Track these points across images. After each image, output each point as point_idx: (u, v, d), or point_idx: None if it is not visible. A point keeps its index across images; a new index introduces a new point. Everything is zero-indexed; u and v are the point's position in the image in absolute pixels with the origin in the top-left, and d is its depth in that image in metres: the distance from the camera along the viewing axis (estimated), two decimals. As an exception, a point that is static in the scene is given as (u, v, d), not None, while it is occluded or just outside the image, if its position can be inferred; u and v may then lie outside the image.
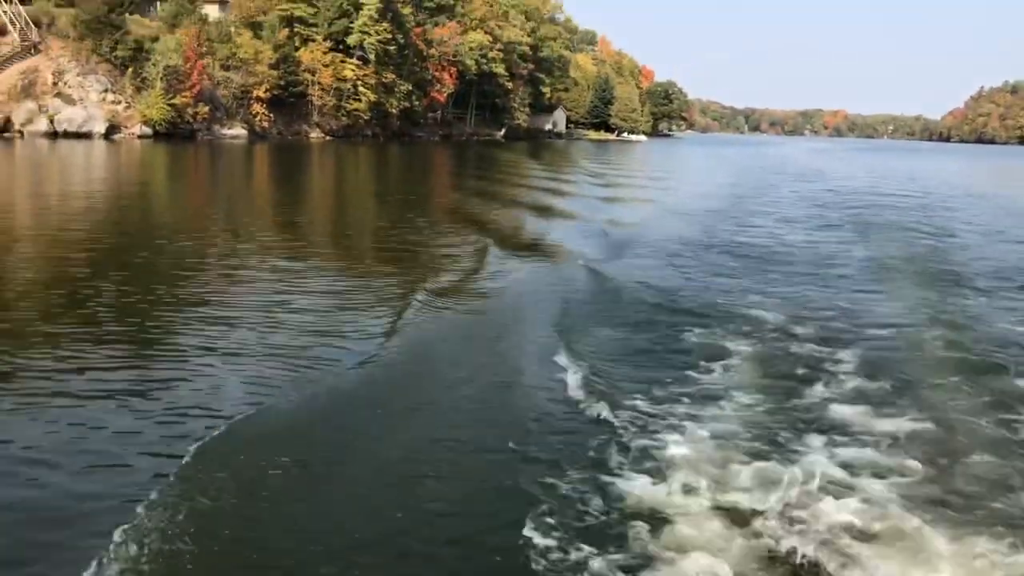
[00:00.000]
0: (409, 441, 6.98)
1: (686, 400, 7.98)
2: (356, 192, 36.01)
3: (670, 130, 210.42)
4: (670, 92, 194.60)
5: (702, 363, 9.27)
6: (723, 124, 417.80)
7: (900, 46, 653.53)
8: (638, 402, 7.83)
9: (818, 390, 8.52)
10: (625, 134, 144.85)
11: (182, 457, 6.28)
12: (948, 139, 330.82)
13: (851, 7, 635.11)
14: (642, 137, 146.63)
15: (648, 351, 9.87)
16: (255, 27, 70.46)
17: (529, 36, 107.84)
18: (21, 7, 56.26)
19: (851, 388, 8.66)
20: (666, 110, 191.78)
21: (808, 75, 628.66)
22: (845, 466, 6.57)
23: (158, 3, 68.60)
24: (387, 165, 53.46)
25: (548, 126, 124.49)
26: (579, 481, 6.12)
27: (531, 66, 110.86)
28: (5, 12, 55.40)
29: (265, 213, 25.43)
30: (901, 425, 7.56)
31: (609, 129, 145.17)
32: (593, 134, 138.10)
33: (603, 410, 7.55)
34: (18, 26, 55.18)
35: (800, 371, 9.14)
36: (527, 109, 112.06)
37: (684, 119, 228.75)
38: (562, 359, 9.15)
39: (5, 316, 10.79)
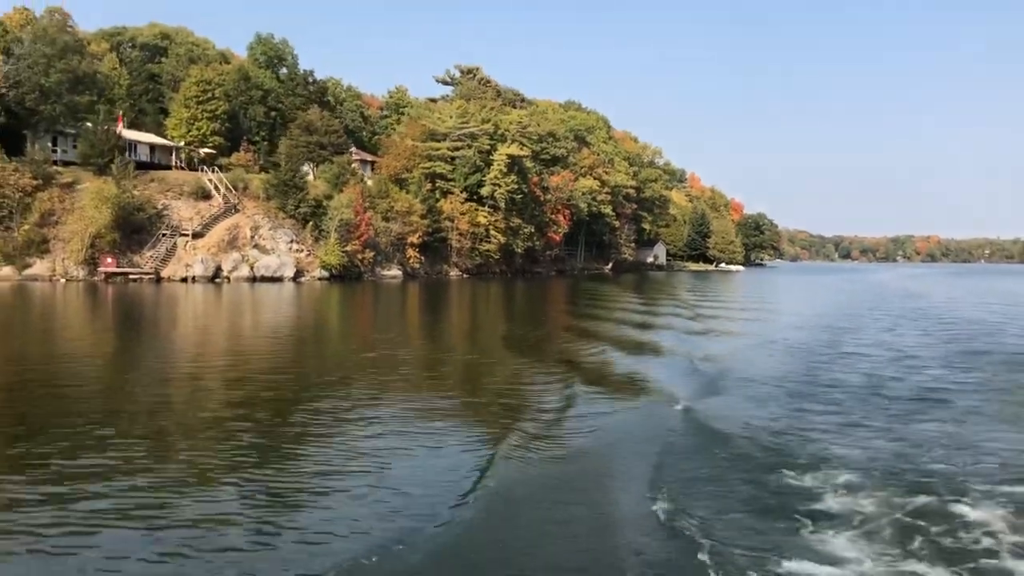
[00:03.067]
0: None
1: (787, 566, 7.72)
2: (473, 326, 37.96)
3: (761, 260, 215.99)
4: (761, 223, 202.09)
5: (802, 519, 9.01)
6: (812, 252, 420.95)
7: (993, 169, 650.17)
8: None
9: (932, 555, 8.11)
10: (723, 265, 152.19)
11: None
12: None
13: (936, 133, 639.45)
14: (740, 267, 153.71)
15: (747, 508, 9.47)
16: (400, 183, 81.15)
17: (633, 179, 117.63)
18: (223, 174, 67.81)
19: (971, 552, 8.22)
20: (757, 240, 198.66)
21: (897, 201, 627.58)
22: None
23: (310, 164, 79.62)
24: (508, 300, 56.88)
25: (650, 259, 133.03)
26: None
27: (634, 206, 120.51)
28: (211, 180, 66.91)
29: (395, 344, 27.98)
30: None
31: (708, 260, 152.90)
32: (692, 265, 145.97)
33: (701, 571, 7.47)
34: (221, 190, 66.51)
35: (911, 536, 8.63)
36: (632, 244, 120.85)
37: (775, 248, 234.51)
38: (657, 510, 9.22)
39: (145, 426, 13.50)
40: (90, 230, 57.37)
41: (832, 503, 9.61)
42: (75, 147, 67.76)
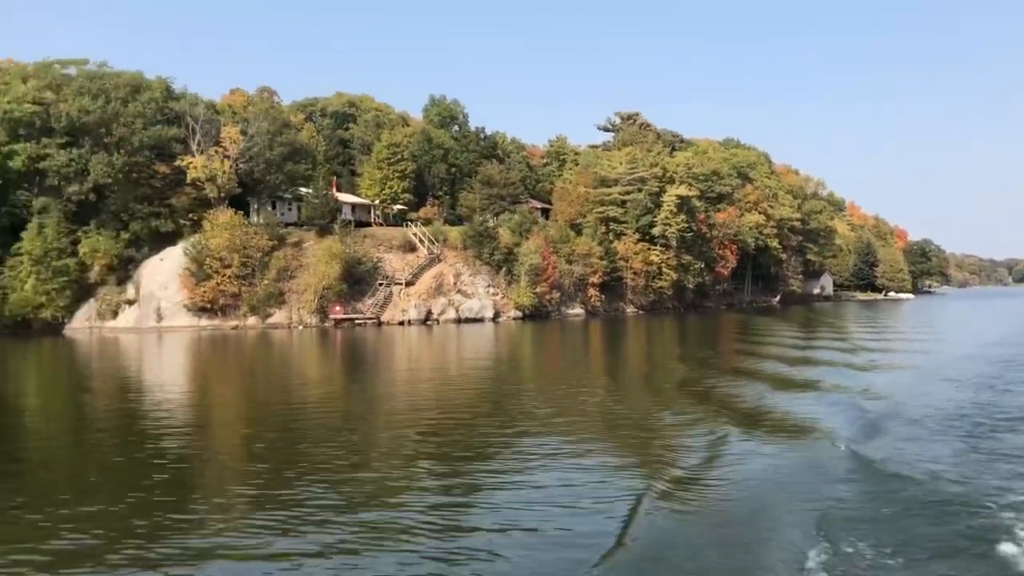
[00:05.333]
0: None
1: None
2: (644, 361, 38.45)
3: (929, 287, 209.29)
4: (927, 250, 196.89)
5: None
6: (983, 277, 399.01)
7: None
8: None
9: None
10: (891, 293, 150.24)
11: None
12: None
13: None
14: (909, 295, 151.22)
15: (923, 569, 8.56)
16: (575, 228, 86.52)
17: (797, 212, 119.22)
18: (425, 228, 75.34)
19: None
20: (924, 267, 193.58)
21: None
22: None
23: (490, 215, 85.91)
24: (680, 336, 57.65)
25: (816, 290, 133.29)
26: None
27: (800, 237, 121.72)
28: (415, 234, 74.52)
29: (574, 378, 30.23)
30: None
31: (875, 289, 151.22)
32: (860, 295, 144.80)
33: None
34: (425, 243, 73.88)
35: None
36: (799, 276, 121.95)
37: (943, 275, 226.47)
38: (818, 566, 8.55)
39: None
40: (322, 283, 65.53)
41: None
42: (289, 209, 76.87)
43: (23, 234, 64.83)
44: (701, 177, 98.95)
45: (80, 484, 14.26)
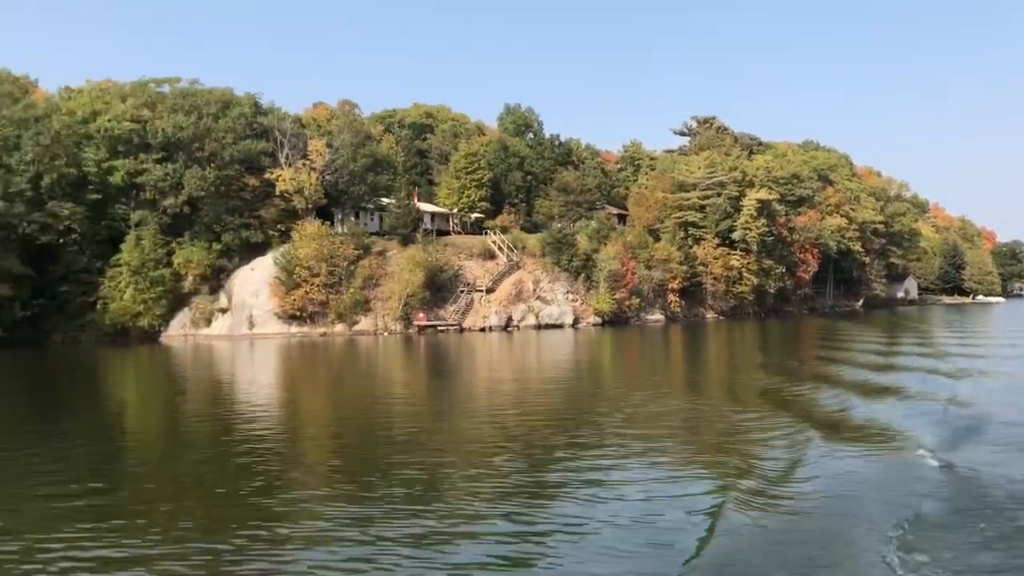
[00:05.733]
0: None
1: None
2: (726, 369, 37.39)
3: (1020, 290, 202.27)
4: (1017, 251, 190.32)
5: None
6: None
7: None
8: None
9: None
10: (980, 296, 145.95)
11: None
12: None
13: None
14: (999, 298, 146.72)
15: None
16: (652, 233, 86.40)
17: (879, 214, 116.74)
18: (503, 235, 76.27)
19: None
20: (1014, 270, 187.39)
21: None
22: None
23: (566, 221, 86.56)
24: (762, 343, 56.28)
25: (900, 294, 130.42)
26: None
27: (883, 240, 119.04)
28: (494, 241, 75.53)
29: (654, 385, 29.58)
30: None
31: (963, 292, 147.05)
32: (947, 298, 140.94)
33: None
34: (504, 250, 74.83)
35: None
36: (883, 279, 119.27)
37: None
38: None
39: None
40: (406, 290, 67.03)
41: None
42: (372, 219, 78.67)
43: (122, 246, 67.66)
44: (781, 180, 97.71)
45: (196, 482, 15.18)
